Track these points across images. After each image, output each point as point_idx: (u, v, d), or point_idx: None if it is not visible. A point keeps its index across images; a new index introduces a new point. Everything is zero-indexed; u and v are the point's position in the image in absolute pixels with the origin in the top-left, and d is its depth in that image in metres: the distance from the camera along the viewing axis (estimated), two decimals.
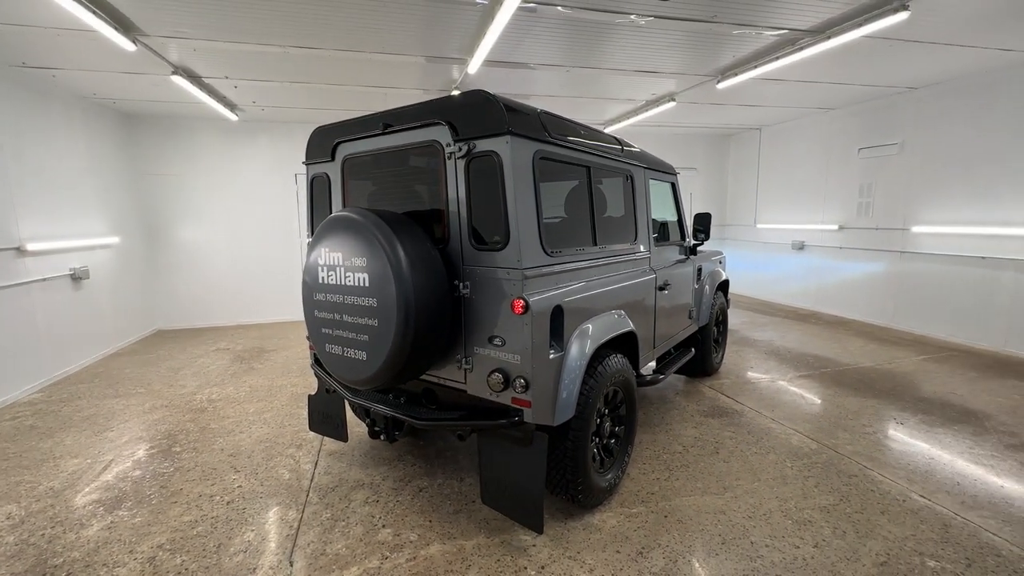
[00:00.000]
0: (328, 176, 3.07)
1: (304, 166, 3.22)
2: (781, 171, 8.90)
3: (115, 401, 4.69)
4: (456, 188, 2.41)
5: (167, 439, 3.85)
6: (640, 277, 3.37)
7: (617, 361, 2.80)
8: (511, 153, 2.22)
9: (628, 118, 7.66)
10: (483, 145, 2.28)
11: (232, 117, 6.98)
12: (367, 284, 2.29)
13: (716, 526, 2.68)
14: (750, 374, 5.17)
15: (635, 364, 3.14)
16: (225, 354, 6.28)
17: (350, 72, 5.22)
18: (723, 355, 5.42)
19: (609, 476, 2.88)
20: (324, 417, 3.38)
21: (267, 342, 6.86)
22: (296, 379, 5.25)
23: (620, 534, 2.62)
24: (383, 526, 2.74)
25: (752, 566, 2.38)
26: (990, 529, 2.62)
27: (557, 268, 2.52)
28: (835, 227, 7.77)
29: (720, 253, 5.36)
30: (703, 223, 4.46)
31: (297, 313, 8.18)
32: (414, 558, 2.46)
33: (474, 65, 4.76)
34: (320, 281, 2.52)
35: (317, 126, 3.10)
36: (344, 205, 3.01)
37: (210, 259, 7.78)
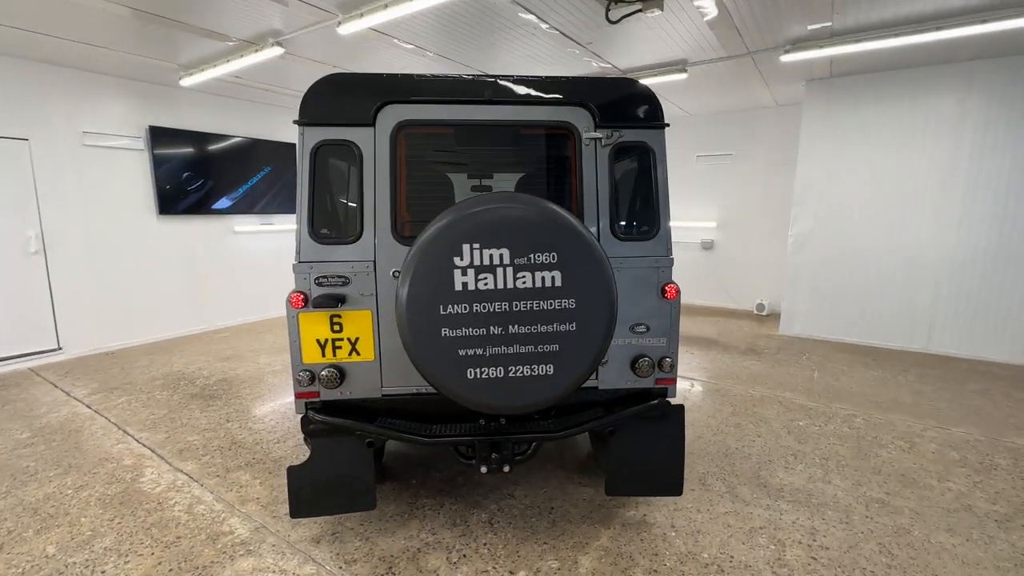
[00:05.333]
0: (357, 148, 2.18)
1: (299, 128, 2.14)
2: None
3: None
4: (595, 176, 2.28)
5: None
6: None
7: None
8: (663, 145, 2.31)
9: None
10: (632, 135, 2.27)
11: None
12: (559, 284, 1.95)
13: (737, 451, 3.42)
14: None
15: None
16: None
17: None
18: None
19: None
20: (333, 487, 2.38)
21: None
22: (104, 468, 3.13)
23: (695, 479, 3.08)
24: (510, 572, 2.31)
25: (786, 463, 3.31)
26: (774, 397, 4.39)
27: None
28: None
29: None
30: None
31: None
32: None
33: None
34: (456, 289, 1.91)
35: (330, 74, 2.14)
36: (397, 186, 2.22)
37: None
